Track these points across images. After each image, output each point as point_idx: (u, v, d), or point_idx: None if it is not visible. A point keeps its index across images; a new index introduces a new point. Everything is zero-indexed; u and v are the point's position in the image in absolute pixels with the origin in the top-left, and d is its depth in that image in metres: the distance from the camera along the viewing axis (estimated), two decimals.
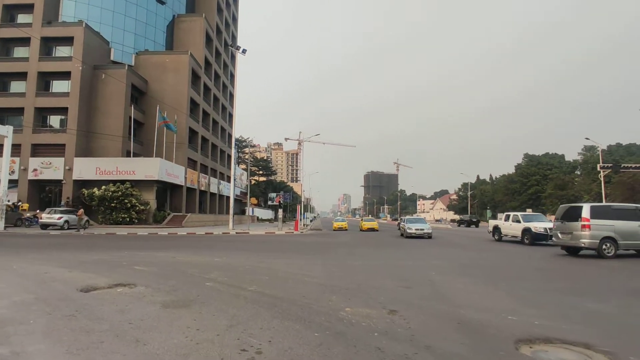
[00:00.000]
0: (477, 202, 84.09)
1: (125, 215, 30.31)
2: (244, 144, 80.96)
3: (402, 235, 25.13)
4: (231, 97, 59.94)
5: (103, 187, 30.55)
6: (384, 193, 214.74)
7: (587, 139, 50.91)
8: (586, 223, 12.65)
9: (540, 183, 63.60)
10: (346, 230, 32.92)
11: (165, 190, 37.98)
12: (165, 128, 35.90)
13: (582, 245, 12.76)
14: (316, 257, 12.16)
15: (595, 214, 12.80)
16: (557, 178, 57.34)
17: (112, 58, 38.41)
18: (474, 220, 51.19)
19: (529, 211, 54.11)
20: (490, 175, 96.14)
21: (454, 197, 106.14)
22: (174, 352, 3.49)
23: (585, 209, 12.95)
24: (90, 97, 34.22)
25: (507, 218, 20.46)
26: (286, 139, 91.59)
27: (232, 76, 59.40)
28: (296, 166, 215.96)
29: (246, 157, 74.16)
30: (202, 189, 46.22)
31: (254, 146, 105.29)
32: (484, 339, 3.98)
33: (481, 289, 6.97)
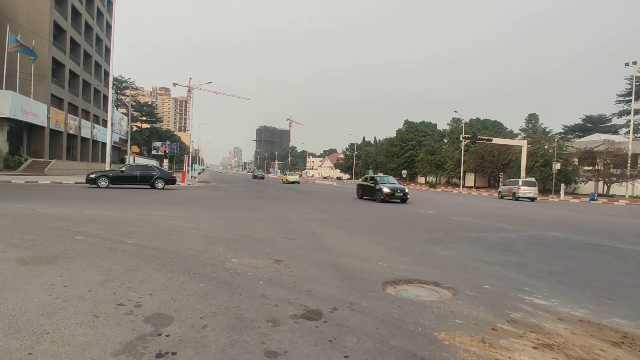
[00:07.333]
0: (361, 162, 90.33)
1: None
2: (124, 84, 71.78)
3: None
4: (108, 28, 51.93)
5: None
6: (276, 148, 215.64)
7: (455, 111, 58.51)
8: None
9: (415, 148, 70.88)
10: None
11: (21, 132, 32.07)
12: (19, 54, 29.63)
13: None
14: (204, 209, 11.86)
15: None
16: (429, 144, 64.58)
17: None
18: None
19: (403, 172, 60.42)
20: (375, 137, 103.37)
21: (342, 156, 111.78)
22: (35, 311, 3.14)
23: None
24: None
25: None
26: (174, 85, 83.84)
27: (110, 2, 51.03)
28: (185, 115, 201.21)
29: (127, 100, 66.17)
30: (71, 132, 40.25)
31: (136, 88, 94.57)
32: (357, 283, 4.47)
33: (357, 239, 7.71)
